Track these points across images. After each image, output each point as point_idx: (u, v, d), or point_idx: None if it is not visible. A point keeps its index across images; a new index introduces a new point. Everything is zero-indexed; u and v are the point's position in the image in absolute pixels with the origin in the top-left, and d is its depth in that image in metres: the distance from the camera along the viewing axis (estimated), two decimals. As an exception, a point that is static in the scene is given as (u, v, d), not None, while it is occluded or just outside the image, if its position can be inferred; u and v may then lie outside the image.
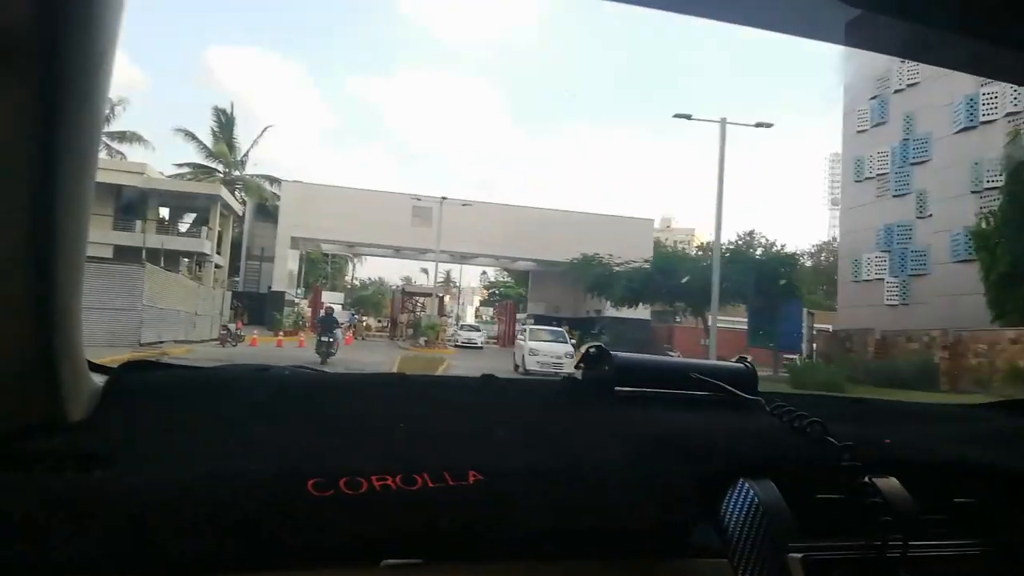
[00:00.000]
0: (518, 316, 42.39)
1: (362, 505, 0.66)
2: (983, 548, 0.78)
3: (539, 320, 41.49)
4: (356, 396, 0.93)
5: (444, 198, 34.38)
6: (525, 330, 21.87)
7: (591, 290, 26.08)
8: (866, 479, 0.76)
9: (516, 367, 19.71)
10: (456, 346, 32.43)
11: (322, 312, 21.28)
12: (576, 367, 1.02)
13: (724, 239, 24.51)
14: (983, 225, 18.49)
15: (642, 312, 30.01)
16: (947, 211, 21.78)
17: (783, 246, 24.51)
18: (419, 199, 35.69)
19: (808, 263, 23.55)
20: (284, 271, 37.74)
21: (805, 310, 23.96)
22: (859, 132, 26.65)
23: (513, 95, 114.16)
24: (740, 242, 24.92)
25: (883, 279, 25.29)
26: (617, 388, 0.94)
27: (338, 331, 19.68)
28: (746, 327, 24.04)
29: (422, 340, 31.56)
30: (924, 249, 23.50)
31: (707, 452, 0.80)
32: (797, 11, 0.86)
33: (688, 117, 18.43)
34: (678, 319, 36.46)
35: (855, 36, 0.86)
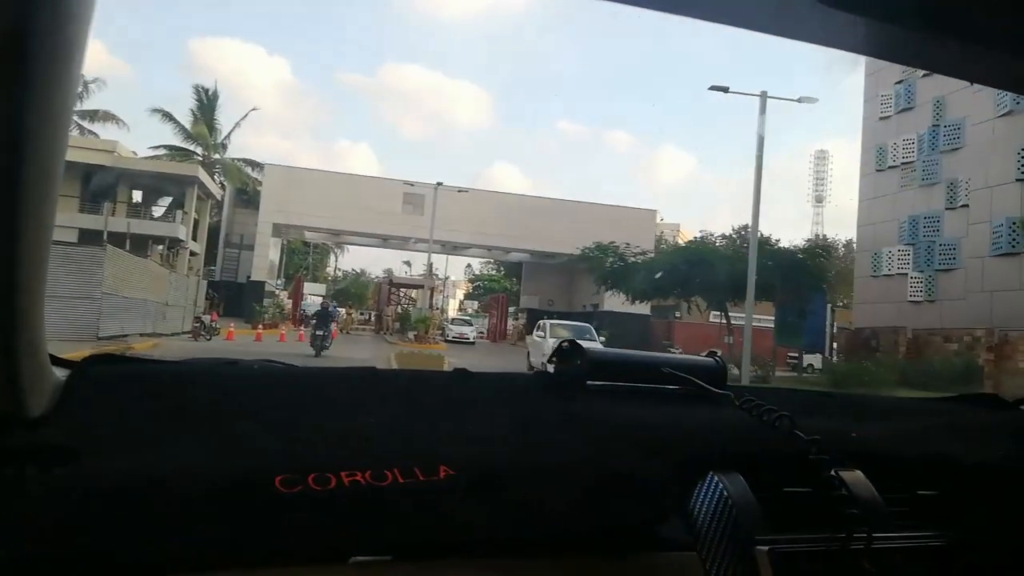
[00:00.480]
0: (508, 310, 40.80)
1: (331, 501, 0.64)
2: (944, 540, 0.78)
3: (532, 314, 39.93)
4: (326, 391, 0.91)
5: (440, 183, 32.46)
6: (544, 325, 19.88)
7: (604, 282, 24.24)
8: (832, 472, 0.77)
9: (531, 369, 17.87)
10: (447, 341, 30.74)
11: (318, 306, 21.45)
12: (549, 361, 1.01)
13: (717, 232, 22.83)
14: (1035, 215, 16.95)
15: (640, 307, 28.38)
16: (986, 201, 20.23)
17: (777, 241, 22.78)
18: (412, 185, 33.75)
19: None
20: (265, 260, 35.71)
21: (829, 306, 22.41)
22: (882, 119, 25.04)
23: (502, 88, 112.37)
24: (735, 236, 23.23)
25: (906, 274, 23.73)
26: (589, 382, 0.95)
27: (333, 324, 19.85)
28: (767, 324, 22.43)
29: (411, 334, 29.88)
30: (954, 242, 21.96)
31: (677, 446, 0.80)
32: (787, 13, 0.84)
33: (725, 90, 16.98)
34: (678, 315, 34.93)
35: (844, 39, 0.87)
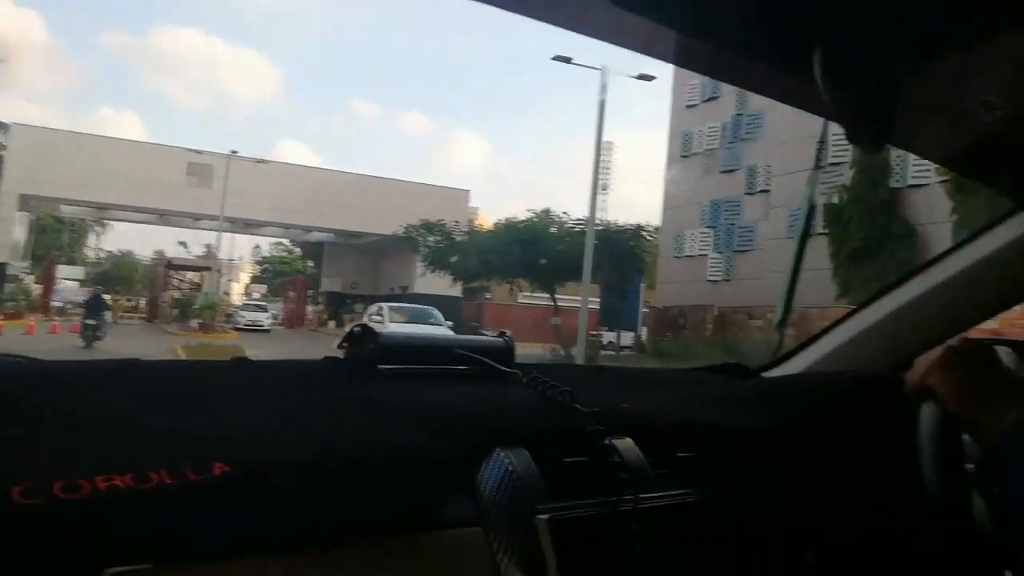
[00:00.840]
0: (307, 293, 38.02)
1: (83, 511, 0.57)
2: (698, 496, 0.85)
3: (333, 298, 37.52)
4: (79, 386, 0.81)
5: (235, 152, 28.90)
6: (381, 309, 17.98)
7: (432, 263, 22.73)
8: (607, 441, 0.82)
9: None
10: (237, 329, 27.64)
11: (80, 293, 19.44)
12: (339, 347, 0.99)
13: (517, 215, 22.36)
14: (834, 200, 18.25)
15: (451, 288, 27.49)
16: (786, 187, 21.63)
17: (576, 224, 22.79)
18: (199, 153, 29.73)
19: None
20: (7, 238, 29.82)
21: (643, 286, 22.88)
22: (688, 107, 26.16)
23: (290, 61, 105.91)
24: (535, 219, 22.86)
25: (707, 255, 25.00)
26: (380, 366, 0.95)
27: (107, 313, 17.91)
28: (580, 305, 22.39)
29: (195, 323, 26.44)
30: (751, 225, 23.40)
31: (466, 426, 0.81)
32: (571, 5, 0.86)
33: (568, 60, 16.47)
34: (488, 296, 34.49)
35: (632, 39, 0.89)
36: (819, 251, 18.10)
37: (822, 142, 1.13)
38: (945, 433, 0.89)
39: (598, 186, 16.93)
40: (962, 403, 0.86)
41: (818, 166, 1.41)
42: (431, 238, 22.82)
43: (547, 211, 22.43)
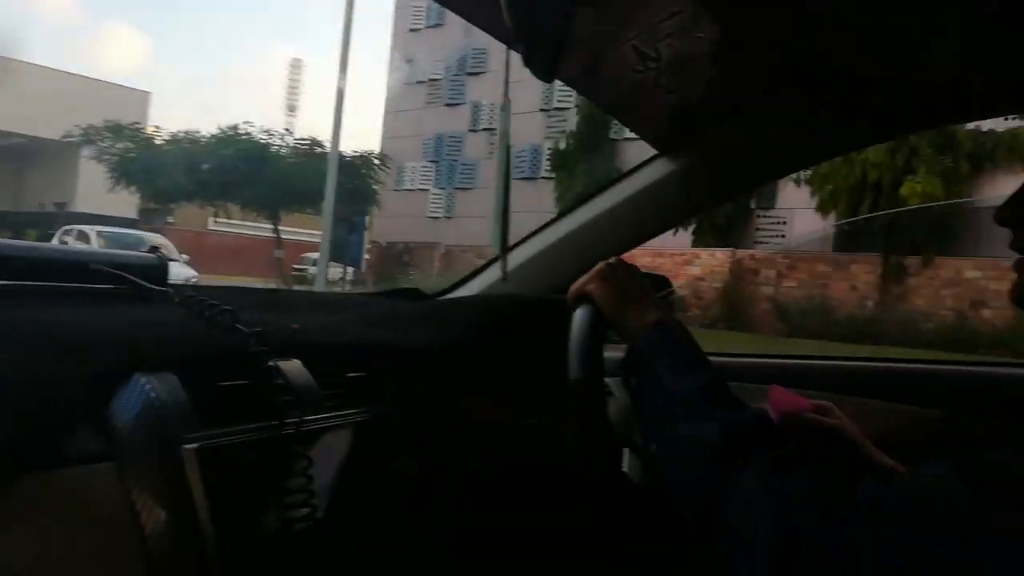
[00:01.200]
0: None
1: None
2: (368, 415, 0.86)
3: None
4: None
5: None
6: (87, 237, 13.76)
7: (125, 175, 18.36)
8: (271, 363, 0.78)
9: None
10: None
11: None
12: None
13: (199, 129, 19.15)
14: (561, 145, 18.98)
15: (126, 209, 23.45)
16: (513, 128, 21.88)
17: (301, 145, 20.66)
18: None
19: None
20: None
21: (368, 219, 21.69)
22: (412, 31, 24.97)
23: None
24: (228, 133, 19.78)
25: (427, 190, 24.63)
26: None
27: None
28: (305, 238, 20.61)
29: None
30: (474, 163, 23.47)
31: (99, 349, 0.71)
32: None
33: None
34: (171, 220, 30.14)
35: None
36: (549, 195, 18.79)
37: (508, 69, 1.11)
38: (593, 332, 0.94)
39: (341, 108, 15.19)
40: (617, 308, 0.94)
41: (506, 96, 1.34)
42: (119, 145, 18.51)
43: (235, 127, 19.24)
